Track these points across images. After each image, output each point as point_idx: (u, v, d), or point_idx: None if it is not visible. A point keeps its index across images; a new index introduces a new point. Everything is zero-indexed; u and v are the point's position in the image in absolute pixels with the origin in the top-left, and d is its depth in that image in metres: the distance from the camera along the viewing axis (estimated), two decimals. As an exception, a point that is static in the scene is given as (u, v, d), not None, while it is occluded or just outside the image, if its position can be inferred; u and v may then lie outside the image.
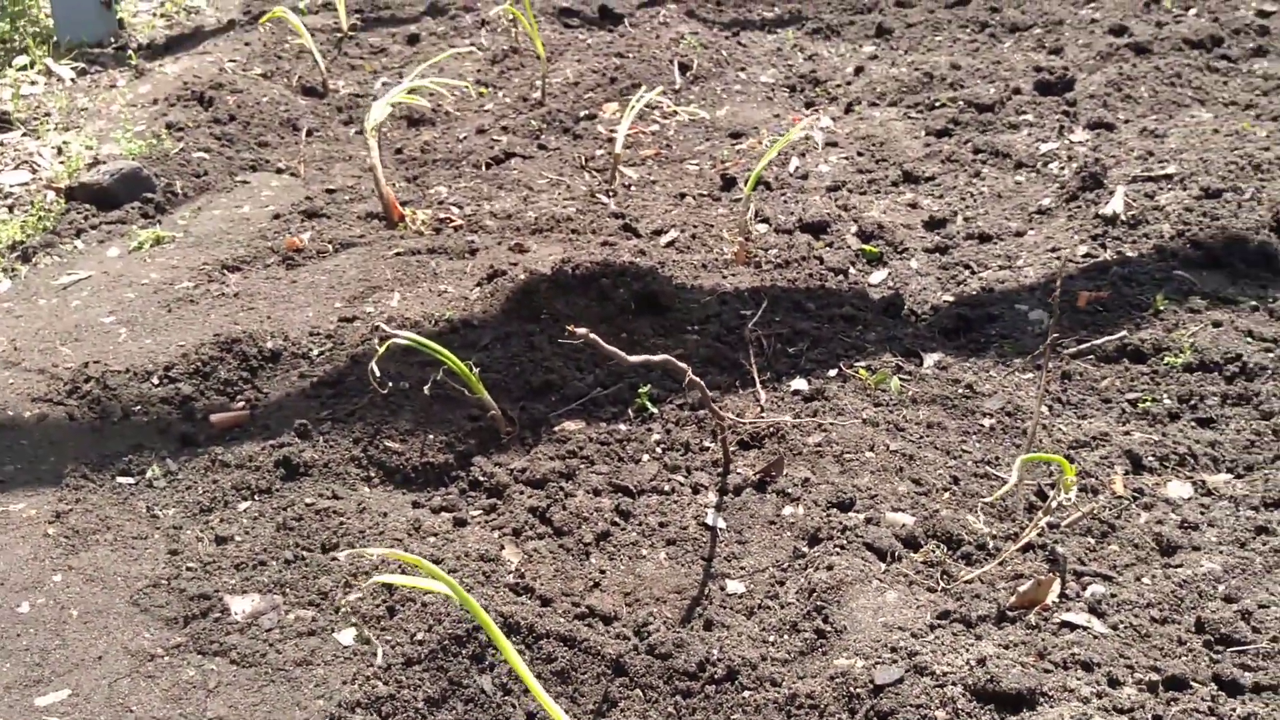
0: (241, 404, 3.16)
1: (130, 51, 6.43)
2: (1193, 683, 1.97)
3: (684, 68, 5.76)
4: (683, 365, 2.36)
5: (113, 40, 6.82)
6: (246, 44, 6.47)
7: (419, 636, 2.24)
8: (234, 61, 6.14)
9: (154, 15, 7.43)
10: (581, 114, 5.35)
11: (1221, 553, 2.32)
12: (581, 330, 2.16)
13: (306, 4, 7.33)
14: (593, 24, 6.89)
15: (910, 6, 6.98)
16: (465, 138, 5.17)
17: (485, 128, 5.21)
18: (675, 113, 5.25)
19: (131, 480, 2.81)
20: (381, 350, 2.76)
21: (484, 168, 4.77)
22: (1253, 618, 2.08)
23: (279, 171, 4.85)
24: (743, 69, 5.94)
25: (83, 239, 4.18)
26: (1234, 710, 1.89)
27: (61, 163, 4.91)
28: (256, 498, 2.73)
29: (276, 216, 4.18)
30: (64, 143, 5.11)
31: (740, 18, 7.12)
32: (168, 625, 2.38)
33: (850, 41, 6.50)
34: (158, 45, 6.72)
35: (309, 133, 5.29)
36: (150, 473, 2.82)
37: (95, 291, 3.75)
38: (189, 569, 2.53)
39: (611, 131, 5.17)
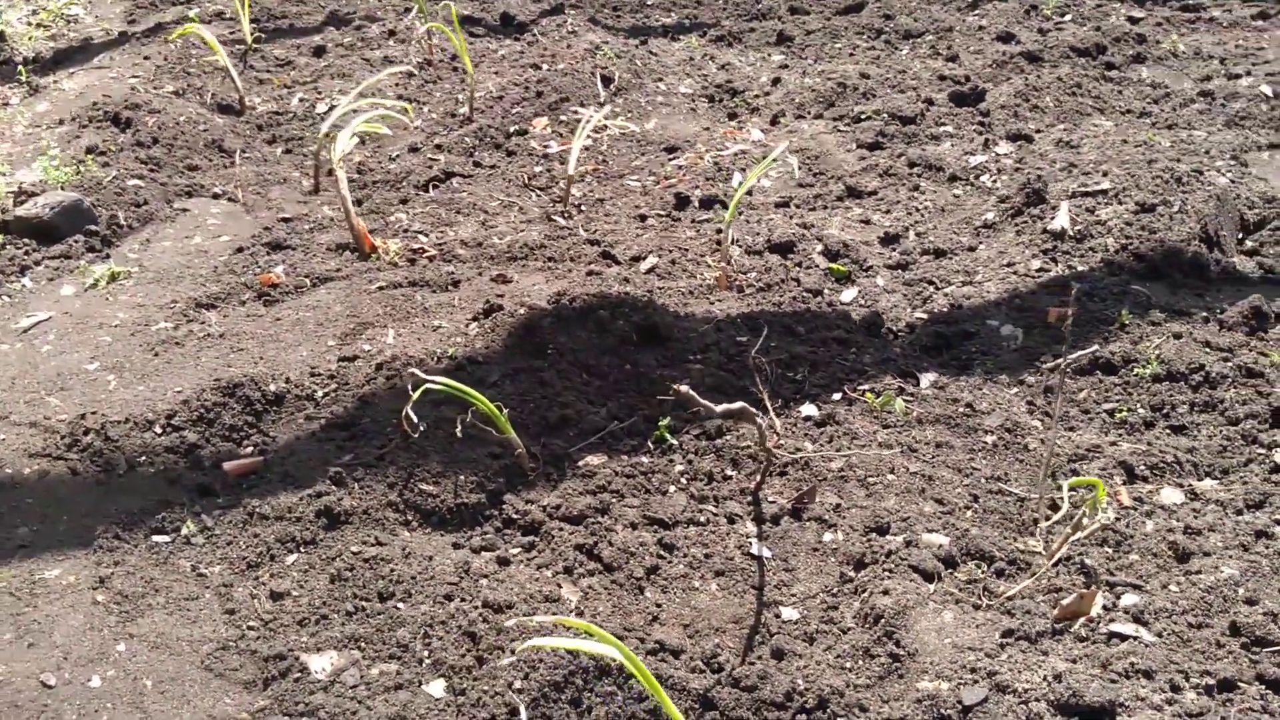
0: (250, 449, 3.14)
1: (18, 66, 6.15)
2: (1240, 684, 2.19)
3: (606, 80, 5.84)
4: (755, 412, 2.47)
5: (-7, 53, 6.51)
6: (146, 58, 6.26)
7: (516, 685, 2.30)
8: (137, 78, 5.95)
9: (30, 25, 7.11)
10: (512, 129, 5.38)
11: (1231, 557, 2.56)
12: (683, 388, 2.25)
13: (197, 13, 7.13)
14: (497, 32, 6.90)
15: (805, 14, 7.21)
16: (398, 156, 5.15)
17: (418, 146, 5.20)
18: (605, 127, 5.33)
19: (167, 539, 2.78)
20: (416, 395, 2.79)
21: (427, 189, 4.77)
22: (1279, 619, 2.32)
23: (215, 197, 4.75)
24: (660, 79, 6.06)
25: (29, 276, 4.04)
26: (1285, 707, 2.11)
27: (-23, 192, 4.70)
28: (303, 549, 2.74)
29: (240, 250, 4.12)
30: (-25, 170, 4.89)
31: (640, 24, 7.24)
32: (247, 689, 2.38)
33: (755, 49, 6.68)
34: (45, 59, 6.45)
35: (235, 154, 5.18)
36: (185, 529, 2.79)
37: (63, 334, 3.64)
38: (251, 628, 2.53)
39: (545, 147, 5.23)
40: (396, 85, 5.88)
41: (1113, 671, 2.24)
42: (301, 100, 5.84)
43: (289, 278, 3.89)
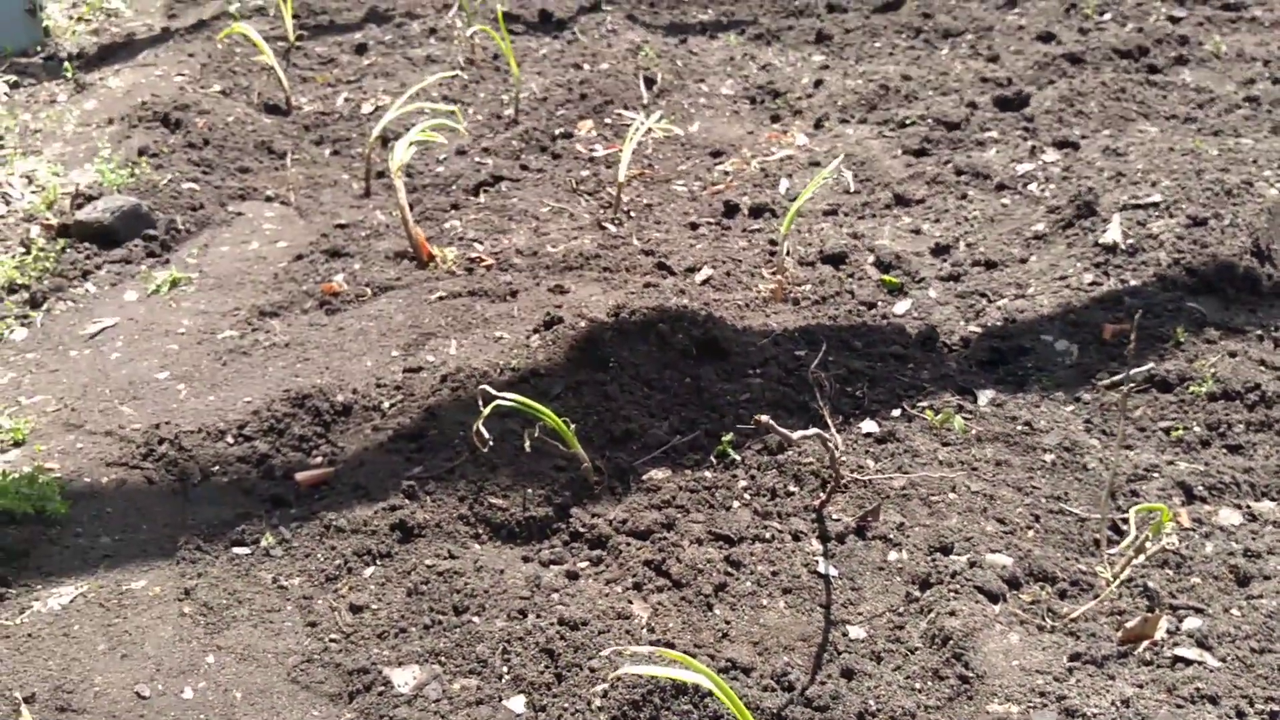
0: (319, 459, 3.21)
1: (64, 63, 6.23)
2: (1306, 711, 2.24)
3: (649, 82, 5.88)
4: (828, 437, 2.53)
5: (39, 49, 6.59)
6: (190, 55, 6.34)
7: (595, 703, 2.37)
8: (183, 75, 6.02)
9: (71, 20, 7.17)
10: (557, 132, 5.43)
11: (1294, 582, 2.60)
12: (765, 419, 2.31)
13: (237, 8, 7.19)
14: (536, 29, 6.94)
15: (844, 11, 7.22)
16: (445, 159, 5.20)
17: (465, 149, 5.25)
18: (651, 131, 5.36)
19: (247, 550, 2.85)
20: (486, 412, 2.84)
21: (477, 193, 4.82)
22: (1344, 646, 2.36)
23: (268, 200, 4.82)
24: (701, 80, 6.09)
25: (92, 281, 4.12)
26: (1352, 736, 2.16)
27: (34, 193, 4.77)
28: (379, 562, 2.80)
29: (299, 257, 4.18)
30: (31, 170, 4.96)
31: (677, 21, 7.26)
32: (333, 701, 2.45)
33: (795, 48, 6.70)
34: (89, 55, 6.53)
35: (286, 156, 5.25)
36: (265, 541, 2.87)
37: (131, 341, 3.71)
38: (333, 641, 2.60)
39: (591, 150, 5.28)
40: (440, 85, 5.93)
41: (1178, 696, 2.29)
42: (347, 100, 5.89)
43: (350, 286, 3.95)
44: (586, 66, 6.11)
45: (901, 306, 3.84)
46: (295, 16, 6.83)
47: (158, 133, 5.24)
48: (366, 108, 5.80)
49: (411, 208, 4.72)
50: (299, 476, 3.13)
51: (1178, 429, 3.21)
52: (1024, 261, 4.06)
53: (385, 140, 5.19)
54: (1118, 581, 2.62)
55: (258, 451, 3.20)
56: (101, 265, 4.21)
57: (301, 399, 3.31)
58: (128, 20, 7.28)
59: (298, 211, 4.70)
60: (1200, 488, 2.98)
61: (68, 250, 4.26)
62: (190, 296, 3.98)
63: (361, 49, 6.55)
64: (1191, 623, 2.53)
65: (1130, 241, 3.96)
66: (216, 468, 3.15)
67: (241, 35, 5.80)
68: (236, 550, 2.85)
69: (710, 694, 2.41)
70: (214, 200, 4.72)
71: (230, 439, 3.23)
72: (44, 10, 6.75)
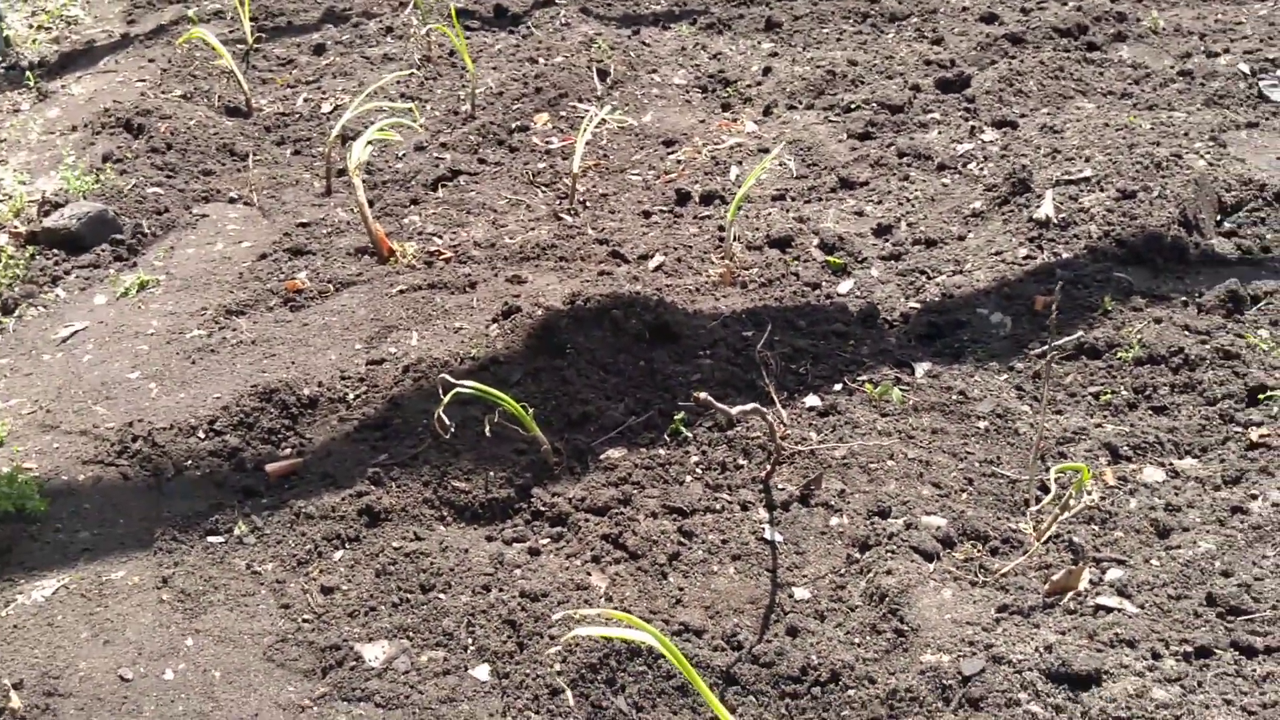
0: (288, 451, 3.34)
1: (26, 71, 6.30)
2: (1216, 650, 2.41)
3: (602, 74, 6.01)
4: (765, 411, 2.68)
5: (0, 59, 6.65)
6: (150, 60, 6.43)
7: (556, 667, 2.52)
8: (144, 81, 6.11)
9: (31, 28, 7.23)
10: (514, 125, 5.55)
11: (1209, 532, 2.78)
12: (704, 396, 2.46)
13: (195, 12, 7.27)
14: (491, 24, 7.05)
15: (793, -1, 7.37)
16: (405, 155, 5.32)
17: (424, 145, 5.37)
18: (605, 122, 5.50)
19: (221, 539, 2.98)
20: (447, 399, 2.99)
21: (436, 188, 4.95)
22: (1252, 589, 2.54)
23: (231, 201, 4.93)
24: (654, 70, 6.22)
25: (62, 286, 4.23)
26: (1255, 670, 2.34)
27: (1, 202, 4.86)
28: (348, 546, 2.95)
29: (263, 256, 4.30)
30: (-4, 178, 5.05)
31: (630, 12, 7.38)
32: (307, 677, 2.59)
33: (745, 36, 6.84)
34: (51, 63, 6.61)
35: (248, 157, 5.35)
36: (238, 530, 3.00)
37: (101, 344, 3.83)
38: (306, 621, 2.74)
39: (547, 143, 5.41)
40: (398, 83, 6.04)
41: (1099, 642, 2.46)
42: (306, 100, 6.00)
43: (313, 283, 4.08)
44: (541, 60, 6.23)
45: (845, 286, 4.00)
46: (253, 19, 6.91)
47: (121, 138, 5.33)
48: (326, 107, 5.91)
49: (372, 204, 4.84)
50: (269, 467, 3.26)
51: (1106, 393, 3.39)
52: (962, 239, 4.22)
53: (345, 139, 5.30)
54: (1045, 538, 2.79)
55: (228, 445, 3.33)
56: (70, 271, 4.32)
57: (269, 393, 3.44)
58: (87, 27, 7.34)
59: (261, 211, 4.82)
60: (1126, 448, 3.16)
61: (37, 257, 4.37)
62: (158, 298, 4.10)
63: (320, 49, 6.65)
64: (1114, 574, 2.70)
65: (1062, 216, 4.13)
66: (189, 462, 3.28)
67: (201, 39, 5.89)
68: (211, 539, 2.99)
69: (663, 655, 2.57)
70: (178, 203, 4.83)
71: (201, 434, 3.36)
72: (4, 20, 6.81)
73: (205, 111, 5.70)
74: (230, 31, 6.80)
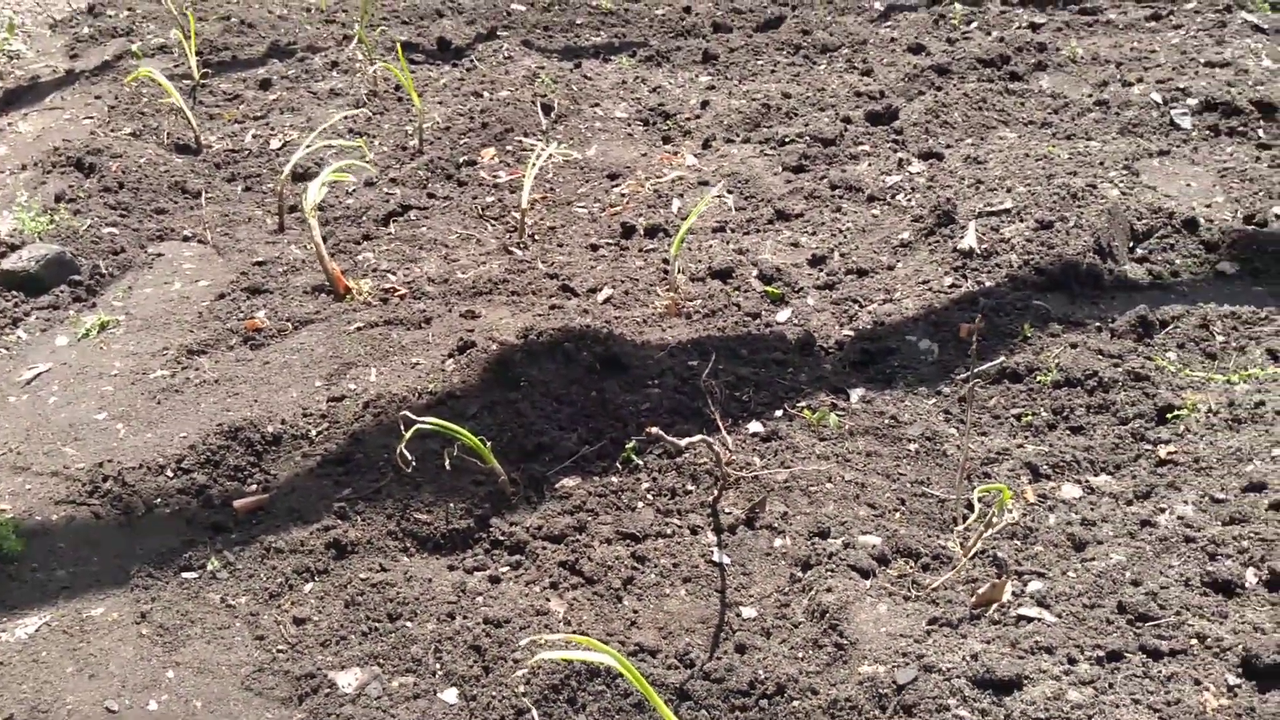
0: (255, 487, 3.48)
1: (-29, 109, 6.36)
2: (1126, 654, 2.63)
3: (547, 109, 6.19)
4: (711, 441, 2.88)
5: (-56, 96, 6.69)
6: (97, 97, 6.51)
7: (520, 689, 2.69)
8: (92, 119, 6.21)
9: (-27, 64, 7.27)
10: (461, 160, 5.72)
11: (1120, 545, 3.01)
12: (655, 430, 2.65)
13: (139, 47, 7.35)
14: (435, 57, 7.21)
15: (728, 30, 7.61)
16: (355, 191, 5.46)
17: (373, 180, 5.52)
18: (551, 156, 5.68)
19: (195, 574, 3.12)
20: (408, 436, 3.15)
21: (387, 224, 5.10)
22: (1158, 597, 2.77)
23: (186, 240, 5.04)
24: (596, 104, 6.42)
25: (23, 328, 4.33)
26: (1160, 671, 2.56)
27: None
28: (317, 578, 3.10)
29: (221, 296, 4.43)
30: (-52, 220, 5.12)
31: (571, 44, 7.58)
32: (284, 704, 2.74)
33: (683, 69, 7.06)
34: (-4, 100, 6.65)
35: (200, 195, 5.47)
36: (210, 565, 3.14)
37: (66, 385, 3.94)
38: (281, 651, 2.89)
39: (495, 177, 5.59)
40: (345, 119, 6.18)
41: (1020, 649, 2.68)
42: (255, 136, 6.12)
43: (272, 322, 4.22)
44: (486, 94, 6.40)
45: (783, 315, 4.22)
46: (198, 53, 7.00)
47: (72, 177, 5.42)
48: (275, 143, 6.03)
49: (325, 240, 4.98)
50: (237, 504, 3.40)
51: (1027, 415, 3.63)
52: (892, 269, 4.46)
53: (296, 176, 5.44)
54: (971, 554, 3.01)
55: (196, 483, 3.46)
56: (30, 312, 4.41)
57: (234, 431, 3.58)
58: (30, 62, 7.39)
59: (215, 250, 4.94)
60: (1045, 466, 3.40)
61: (-6, 299, 4.46)
62: (119, 338, 4.21)
63: (266, 84, 6.76)
64: (1034, 586, 2.93)
65: (985, 246, 4.38)
66: (159, 500, 3.41)
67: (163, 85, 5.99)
68: (185, 575, 3.12)
69: (620, 674, 2.75)
70: (134, 243, 4.94)
71: (170, 472, 3.49)
72: (-54, 57, 6.86)
73: (155, 149, 5.81)
74: (175, 66, 6.89)
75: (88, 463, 3.53)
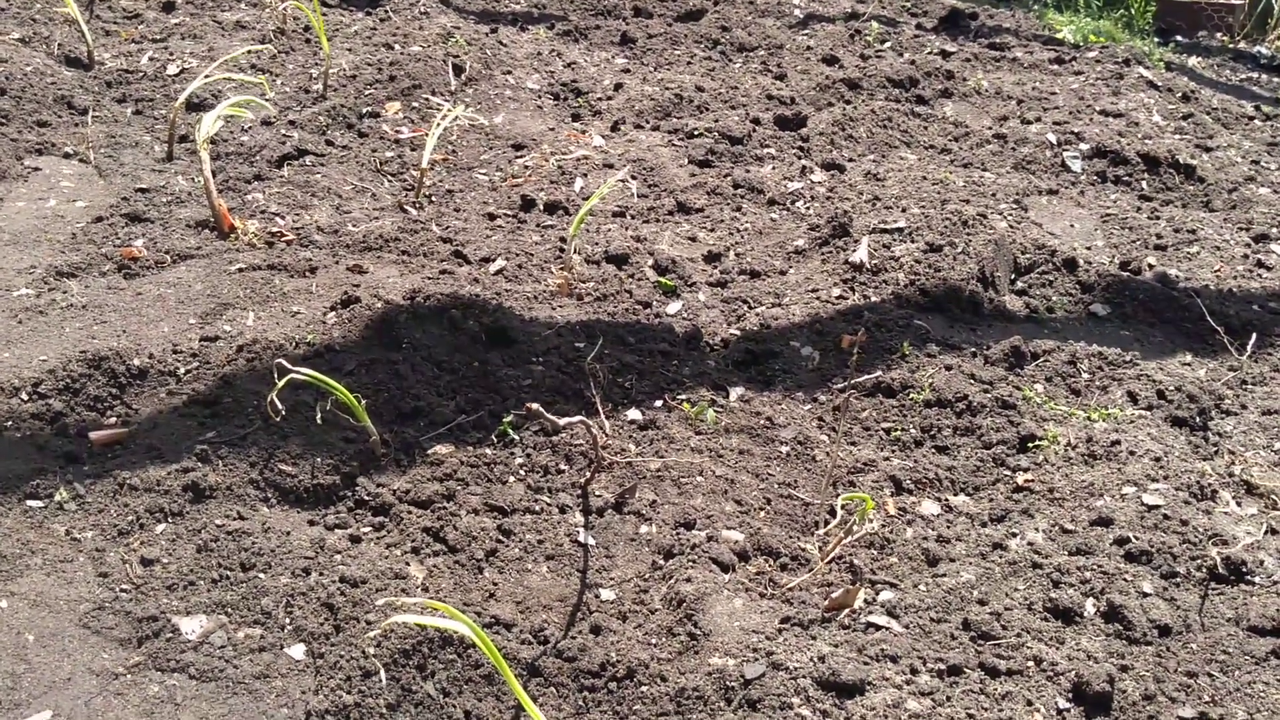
0: (114, 420, 3.37)
1: None
2: (966, 669, 2.72)
3: (458, 69, 6.12)
4: (590, 423, 2.88)
5: None
6: (-13, -1, 6.21)
7: (370, 651, 2.66)
8: (-21, 20, 5.92)
9: None
10: (365, 110, 5.61)
11: (971, 564, 3.11)
12: (534, 406, 2.64)
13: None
14: (349, 2, 7.08)
15: (649, 16, 7.61)
16: (250, 128, 5.32)
17: (271, 120, 5.38)
18: (457, 119, 5.61)
19: (40, 504, 3.01)
20: (281, 385, 3.08)
21: (281, 166, 4.98)
22: (1001, 618, 2.87)
23: (66, 157, 4.85)
24: (509, 72, 6.36)
25: (-120, 229, 4.11)
26: (996, 689, 2.66)
27: None
28: (170, 520, 3.01)
29: (99, 219, 4.27)
30: None
31: (490, 8, 7.50)
32: (122, 645, 2.66)
33: (600, 48, 7.05)
34: (-125, -13, 6.30)
35: (86, 112, 5.26)
36: (58, 496, 3.03)
37: (-79, 294, 3.76)
38: (124, 591, 2.80)
39: (397, 132, 5.50)
40: (249, 53, 6.01)
41: (866, 655, 2.75)
42: (152, 59, 5.91)
43: (149, 252, 4.08)
44: (398, 47, 6.29)
45: (673, 307, 4.24)
46: (100, -33, 6.75)
47: (-50, 78, 5.17)
48: (172, 69, 5.84)
49: (214, 175, 4.84)
50: (93, 435, 3.28)
51: (896, 430, 3.72)
52: (784, 273, 4.52)
53: (191, 105, 5.27)
54: (829, 559, 3.08)
55: (52, 409, 3.34)
56: (-110, 212, 4.20)
57: (98, 360, 3.46)
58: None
59: (97, 171, 4.76)
60: (909, 481, 3.48)
61: None
62: (-16, 251, 4.04)
63: (169, 7, 6.54)
64: (886, 595, 3.01)
65: (875, 262, 4.47)
66: (10, 423, 3.27)
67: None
68: (30, 503, 3.01)
69: (473, 645, 2.74)
70: (10, 153, 4.73)
71: (25, 395, 3.35)
72: None
73: (43, 59, 5.57)
74: (76, -23, 6.62)
75: (-63, 377, 3.38)
